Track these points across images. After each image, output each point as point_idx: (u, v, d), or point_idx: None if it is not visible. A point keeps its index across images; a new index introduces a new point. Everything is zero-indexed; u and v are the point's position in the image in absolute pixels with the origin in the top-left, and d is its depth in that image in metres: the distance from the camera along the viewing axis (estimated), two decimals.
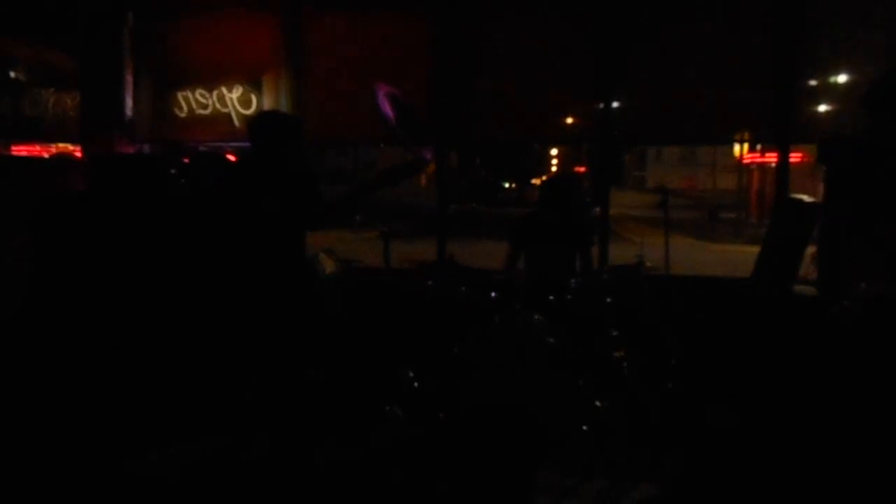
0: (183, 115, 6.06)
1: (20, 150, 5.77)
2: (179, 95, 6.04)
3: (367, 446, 3.61)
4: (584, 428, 3.49)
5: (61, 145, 6.09)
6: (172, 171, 4.80)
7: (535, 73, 5.45)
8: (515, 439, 3.48)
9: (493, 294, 4.04)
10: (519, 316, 3.74)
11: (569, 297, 3.99)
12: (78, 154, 5.84)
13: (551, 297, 4.01)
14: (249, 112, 5.96)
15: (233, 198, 3.61)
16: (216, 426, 3.66)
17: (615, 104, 5.45)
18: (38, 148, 6.40)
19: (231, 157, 5.43)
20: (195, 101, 6.02)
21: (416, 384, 3.88)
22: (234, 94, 5.95)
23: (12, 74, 5.31)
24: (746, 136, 6.03)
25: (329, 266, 4.66)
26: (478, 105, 5.55)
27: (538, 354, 3.63)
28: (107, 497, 3.11)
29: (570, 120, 5.97)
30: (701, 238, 17.87)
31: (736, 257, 11.33)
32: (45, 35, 5.50)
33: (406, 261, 4.57)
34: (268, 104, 5.91)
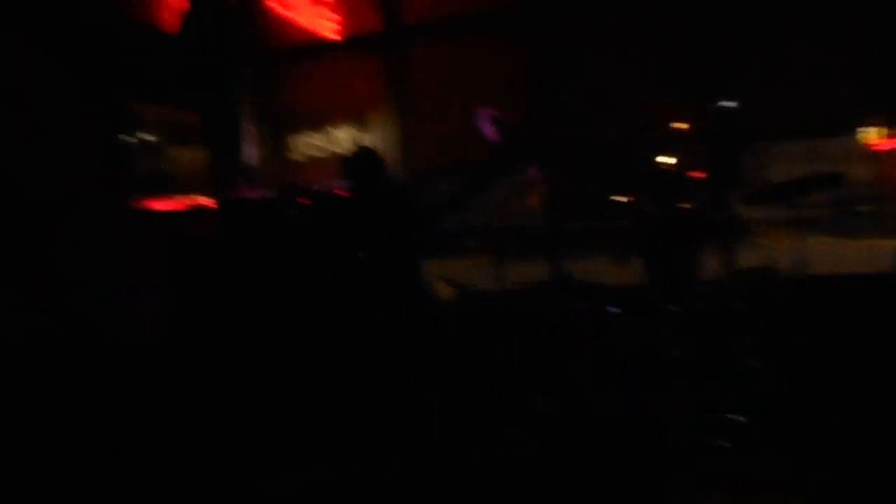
0: (298, 158, 6.39)
1: (159, 205, 6.32)
2: (295, 140, 6.38)
3: (492, 467, 3.57)
4: (720, 442, 3.28)
5: (194, 196, 6.61)
6: (290, 211, 5.05)
7: (639, 77, 5.31)
8: (645, 453, 3.32)
9: (612, 309, 3.91)
10: (643, 328, 3.60)
11: (696, 305, 3.79)
12: (209, 204, 6.28)
13: (676, 307, 3.82)
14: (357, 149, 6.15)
15: (344, 228, 3.79)
16: (349, 449, 3.74)
17: (728, 103, 5.20)
18: (174, 201, 6.98)
19: (343, 194, 5.62)
20: (309, 143, 6.33)
21: (539, 405, 3.80)
22: (344, 134, 6.20)
23: (148, 136, 5.84)
24: (883, 121, 5.56)
25: (445, 292, 4.70)
26: (582, 118, 5.47)
27: (665, 366, 3.46)
28: None
29: (680, 124, 5.74)
30: (838, 234, 16.50)
31: (879, 252, 10.37)
32: (171, 96, 5.98)
33: (521, 282, 4.53)
34: (375, 139, 6.11)
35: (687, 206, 4.33)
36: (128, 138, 5.43)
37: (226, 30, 7.44)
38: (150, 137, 5.73)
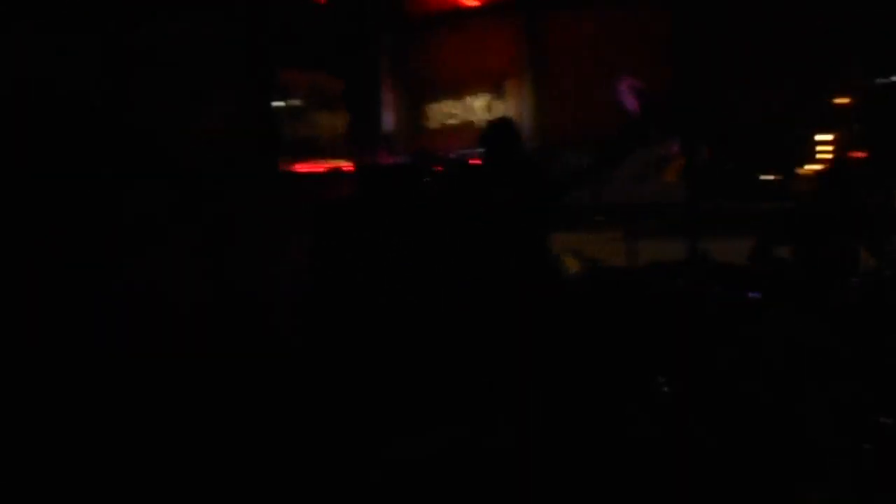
0: (434, 126, 6.49)
1: (302, 167, 6.67)
2: (431, 108, 6.48)
3: (611, 448, 3.52)
4: (866, 446, 3.04)
5: (334, 160, 6.91)
6: (426, 178, 5.15)
7: (796, 47, 4.89)
8: (781, 451, 3.14)
9: (753, 293, 3.69)
10: (788, 316, 3.38)
11: (850, 296, 3.50)
12: (348, 167, 6.54)
13: (828, 296, 3.55)
14: (493, 118, 6.16)
15: (471, 192, 3.83)
16: (460, 415, 3.81)
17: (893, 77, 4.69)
18: (316, 164, 7.36)
19: (477, 163, 5.66)
20: (445, 112, 6.41)
21: (666, 390, 3.68)
22: (480, 103, 6.22)
23: (294, 102, 6.16)
24: None
25: (573, 266, 4.64)
26: (729, 91, 5.14)
27: (811, 360, 3.23)
28: (358, 483, 3.38)
29: (841, 99, 5.26)
30: None
31: None
32: (316, 63, 6.24)
33: (654, 260, 4.37)
34: (511, 109, 6.08)
35: (847, 189, 3.98)
36: (277, 103, 5.74)
37: None
38: (297, 102, 6.04)
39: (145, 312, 4.02)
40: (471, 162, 5.74)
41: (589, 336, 4.27)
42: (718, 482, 3.10)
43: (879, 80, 4.64)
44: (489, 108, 6.12)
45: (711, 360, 3.55)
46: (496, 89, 6.17)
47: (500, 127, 4.06)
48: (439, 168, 5.47)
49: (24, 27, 3.84)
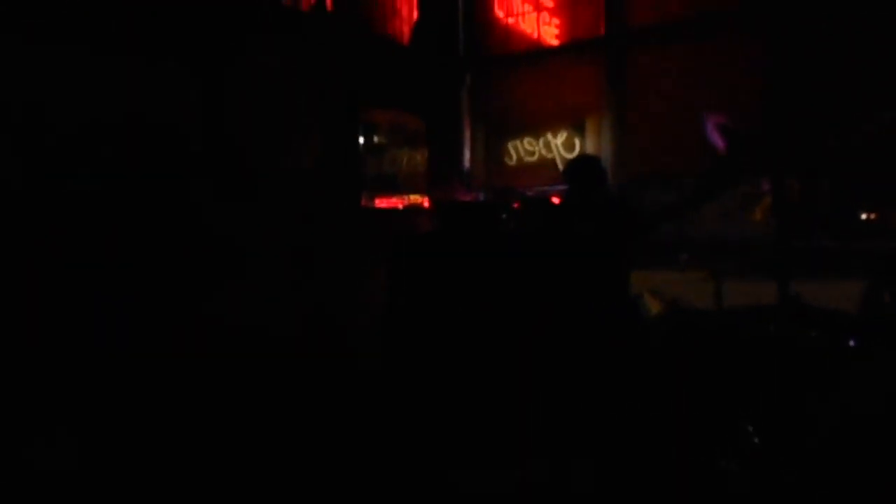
0: (512, 163, 6.51)
1: (381, 203, 6.83)
2: (509, 145, 6.51)
3: (694, 498, 3.34)
4: None
5: (412, 196, 7.05)
6: (504, 215, 5.14)
7: (891, 80, 4.64)
8: None
9: (851, 340, 3.46)
10: (886, 364, 3.14)
11: None
12: (426, 203, 6.63)
13: None
14: (573, 155, 6.15)
15: (552, 229, 3.78)
16: (538, 451, 3.72)
17: None
18: (394, 199, 7.55)
19: (555, 200, 5.62)
20: (523, 149, 6.43)
21: (756, 440, 3.48)
22: (559, 140, 6.20)
23: (376, 139, 6.33)
24: None
25: (655, 306, 4.49)
26: (821, 125, 4.91)
27: None
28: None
29: None
30: None
31: None
32: (399, 102, 6.40)
33: (741, 302, 4.18)
34: (590, 146, 6.03)
35: None
36: (362, 141, 5.91)
37: (452, 38, 7.81)
38: (380, 140, 6.20)
39: (236, 337, 4.16)
40: (551, 199, 5.71)
41: (671, 380, 4.10)
42: None
43: None
44: (569, 146, 6.08)
45: (805, 410, 3.34)
46: (576, 126, 6.14)
47: (586, 162, 4.01)
48: (517, 205, 5.46)
49: (127, 60, 4.12)
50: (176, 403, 3.91)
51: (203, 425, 3.86)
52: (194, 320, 4.03)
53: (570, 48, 6.25)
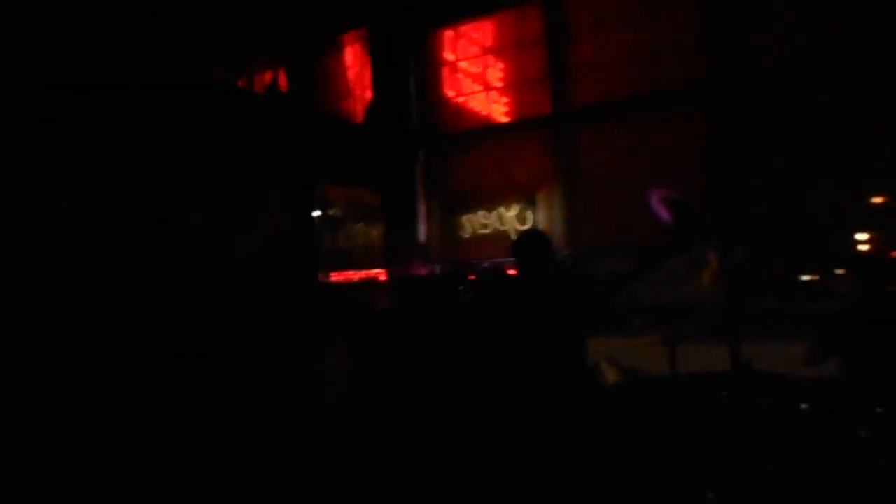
0: (467, 236, 6.63)
1: (338, 277, 6.83)
2: (464, 219, 6.66)
3: None
4: None
5: (369, 270, 7.07)
6: (460, 287, 5.19)
7: (830, 148, 4.95)
8: None
9: (803, 405, 3.56)
10: (843, 432, 3.23)
11: None
12: (382, 277, 6.66)
13: (881, 408, 3.40)
14: (525, 227, 6.31)
15: (505, 302, 3.84)
16: None
17: None
18: (350, 274, 7.56)
19: (511, 272, 5.71)
20: (477, 222, 6.58)
21: None
22: (511, 213, 6.37)
23: (332, 214, 6.39)
24: None
25: (612, 375, 4.55)
26: (765, 192, 5.17)
27: (870, 480, 3.06)
28: None
29: (878, 199, 5.25)
30: None
31: None
32: (354, 177, 6.51)
33: (696, 366, 4.27)
34: (542, 218, 6.20)
35: (892, 290, 3.90)
36: (318, 217, 5.96)
37: (405, 116, 8.04)
38: (336, 215, 6.26)
39: (196, 428, 4.03)
40: (506, 271, 5.80)
41: (633, 449, 4.12)
42: None
43: None
44: (521, 219, 6.24)
45: (764, 473, 3.39)
46: (527, 200, 6.33)
47: (531, 237, 4.15)
48: (472, 277, 5.53)
49: (79, 150, 4.10)
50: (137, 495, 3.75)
51: None
52: (155, 415, 3.90)
53: (519, 125, 6.50)
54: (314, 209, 5.93)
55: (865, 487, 3.12)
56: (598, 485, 3.72)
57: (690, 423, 4.26)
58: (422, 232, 6.82)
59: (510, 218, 6.32)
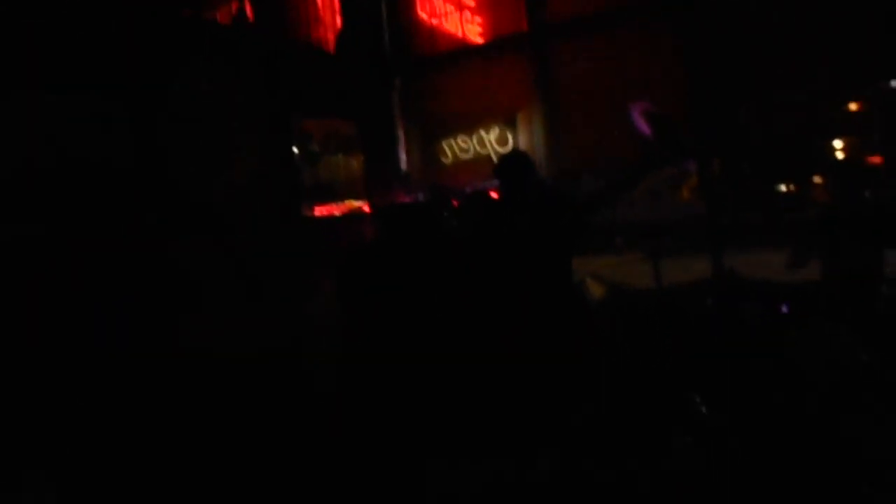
0: (448, 161, 6.59)
1: (321, 211, 6.77)
2: (444, 144, 6.59)
3: (654, 474, 3.47)
4: None
5: (352, 202, 7.01)
6: (444, 213, 5.19)
7: (807, 55, 4.92)
8: (830, 470, 3.08)
9: (783, 307, 3.67)
10: (821, 330, 3.34)
11: (879, 306, 3.47)
12: (365, 208, 6.64)
13: (859, 307, 3.52)
14: (506, 150, 6.27)
15: (491, 225, 3.86)
16: (501, 448, 3.79)
17: None
18: (334, 207, 7.49)
19: (494, 195, 5.71)
20: (458, 147, 6.52)
21: (703, 409, 3.65)
22: (492, 136, 6.31)
23: (310, 148, 6.28)
24: None
25: (598, 291, 4.64)
26: (741, 104, 5.16)
27: (848, 374, 3.20)
28: None
29: (854, 105, 5.26)
30: None
31: None
32: (330, 108, 6.39)
33: (679, 280, 4.37)
34: (523, 140, 6.15)
35: (868, 196, 3.97)
36: (296, 150, 5.87)
37: (378, 42, 7.82)
38: (315, 148, 6.16)
39: (193, 363, 4.08)
40: (489, 194, 5.80)
41: (622, 362, 4.25)
42: (766, 500, 3.05)
43: (892, 84, 4.66)
44: (502, 141, 6.19)
45: (748, 376, 3.52)
46: (507, 122, 6.26)
47: (513, 159, 4.14)
48: (456, 203, 5.53)
49: (52, 97, 3.99)
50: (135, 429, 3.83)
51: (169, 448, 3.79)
52: (147, 356, 3.94)
53: (495, 45, 6.36)
54: (292, 143, 5.84)
55: (846, 380, 3.26)
56: (587, 396, 3.85)
57: (677, 330, 4.39)
58: (402, 160, 6.76)
59: (491, 141, 6.26)
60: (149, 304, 3.99)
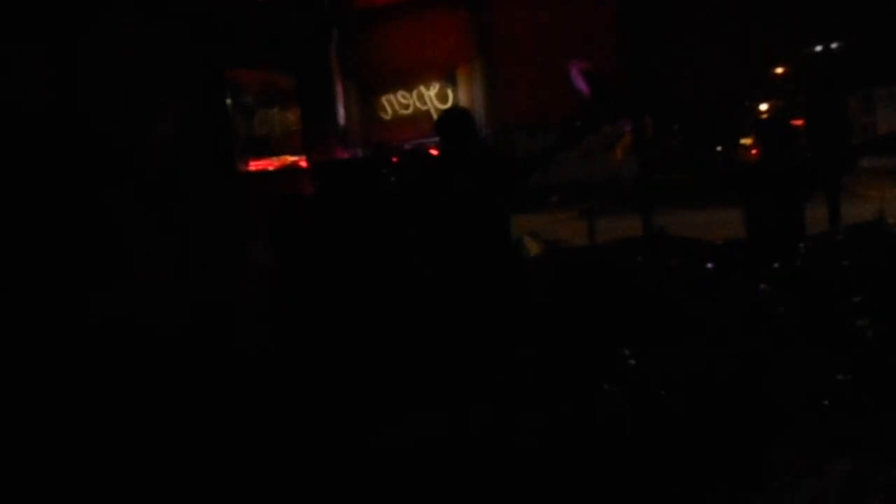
0: (388, 117, 6.52)
1: (256, 165, 6.59)
2: (383, 99, 6.50)
3: (584, 424, 3.62)
4: (825, 402, 3.21)
5: (288, 157, 6.85)
6: (383, 170, 5.16)
7: (736, 21, 5.06)
8: (745, 416, 3.29)
9: (710, 264, 3.84)
10: (743, 285, 3.52)
11: (798, 261, 3.67)
12: (303, 164, 6.51)
13: (778, 264, 3.71)
14: (446, 107, 6.24)
15: (431, 183, 3.88)
16: (438, 402, 3.88)
17: (834, 44, 4.88)
18: (269, 161, 7.28)
19: (434, 152, 5.70)
20: (398, 102, 6.45)
21: (632, 362, 3.81)
22: (432, 92, 6.27)
23: (244, 101, 6.08)
24: None
25: (534, 248, 4.73)
26: (674, 67, 5.28)
27: (768, 325, 3.39)
28: (349, 470, 3.42)
29: (779, 69, 5.46)
30: None
31: None
32: (265, 60, 6.18)
33: (611, 237, 4.49)
34: (463, 97, 6.13)
35: (790, 156, 4.15)
36: (229, 103, 5.69)
37: None
38: (249, 101, 5.97)
39: (122, 335, 3.98)
40: (429, 151, 5.79)
41: (556, 317, 4.38)
42: (688, 448, 3.24)
43: (815, 49, 4.83)
44: (442, 97, 6.15)
45: (675, 330, 3.69)
46: (447, 78, 6.22)
47: (455, 116, 4.14)
48: (396, 159, 5.49)
49: None
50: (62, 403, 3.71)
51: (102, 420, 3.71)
52: (62, 322, 3.80)
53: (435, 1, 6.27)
54: (225, 95, 5.64)
55: (765, 331, 3.45)
56: (524, 349, 3.96)
57: (609, 286, 4.54)
58: (341, 115, 6.64)
59: (431, 97, 6.22)
60: (65, 263, 3.83)
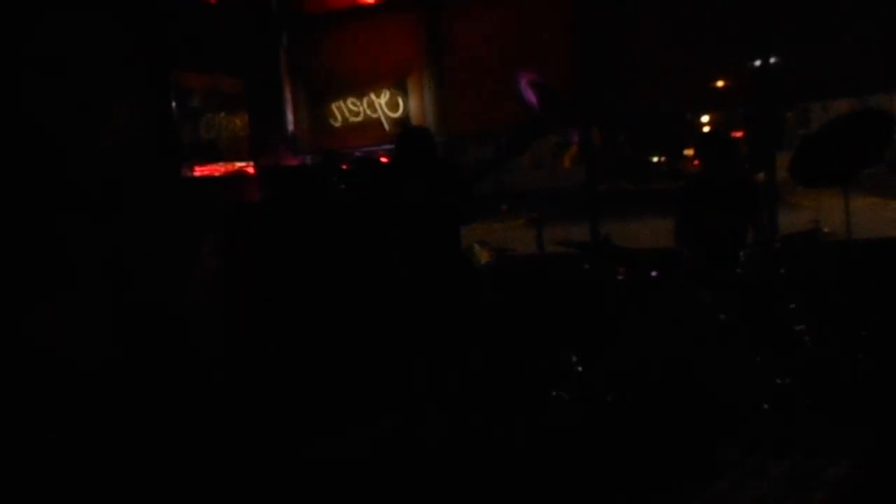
0: (338, 124, 6.46)
1: (202, 171, 6.42)
2: (333, 106, 6.45)
3: (535, 429, 3.67)
4: (765, 405, 3.33)
5: (235, 163, 6.71)
6: (333, 177, 5.14)
7: (679, 34, 5.20)
8: (692, 418, 3.38)
9: (653, 273, 3.94)
10: (684, 293, 3.62)
11: (738, 270, 3.80)
12: (250, 170, 6.41)
13: (719, 271, 3.84)
14: (397, 115, 6.23)
15: (383, 191, 3.92)
16: (390, 407, 3.88)
17: (773, 59, 5.07)
18: (216, 167, 7.11)
19: (384, 160, 5.70)
20: (348, 109, 6.40)
21: (579, 368, 3.88)
22: (382, 100, 6.25)
23: (190, 104, 5.94)
24: None
25: (483, 256, 4.77)
26: (621, 78, 5.39)
27: (709, 331, 3.50)
28: (296, 480, 3.39)
29: (721, 83, 5.64)
30: (887, 196, 16.06)
31: None
32: (213, 63, 6.07)
33: (559, 246, 4.57)
34: (413, 105, 6.14)
35: (730, 167, 4.31)
36: (174, 106, 5.56)
37: None
38: (195, 105, 5.84)
39: (63, 331, 3.85)
40: (379, 159, 5.77)
41: (506, 323, 4.43)
42: (635, 449, 3.31)
43: (756, 64, 5.03)
44: (392, 105, 6.15)
45: (620, 337, 3.77)
46: (398, 86, 6.22)
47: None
48: (345, 166, 5.47)
49: None
50: None
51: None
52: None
53: (387, 6, 6.26)
54: (170, 98, 5.51)
55: (706, 337, 3.56)
56: (474, 353, 3.98)
57: (557, 294, 4.61)
58: (290, 121, 6.56)
59: (381, 105, 6.20)
60: (2, 275, 3.69)
